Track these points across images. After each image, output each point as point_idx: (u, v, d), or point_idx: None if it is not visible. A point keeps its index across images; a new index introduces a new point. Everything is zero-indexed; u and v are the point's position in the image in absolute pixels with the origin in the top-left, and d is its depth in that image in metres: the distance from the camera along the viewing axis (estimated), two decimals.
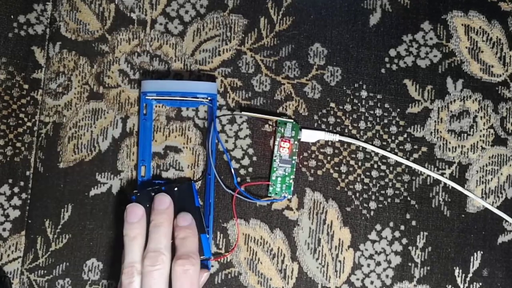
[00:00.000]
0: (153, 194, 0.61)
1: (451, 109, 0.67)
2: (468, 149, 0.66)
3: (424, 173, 0.66)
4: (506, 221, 0.66)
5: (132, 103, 0.66)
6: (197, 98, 0.63)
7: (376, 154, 0.66)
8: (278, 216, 0.65)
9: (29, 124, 0.65)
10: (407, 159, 0.66)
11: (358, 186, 0.66)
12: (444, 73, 0.67)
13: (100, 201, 0.65)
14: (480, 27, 0.67)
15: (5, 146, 0.65)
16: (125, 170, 0.65)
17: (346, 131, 0.66)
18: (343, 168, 0.66)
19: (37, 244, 0.64)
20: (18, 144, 0.65)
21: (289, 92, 0.66)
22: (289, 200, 0.65)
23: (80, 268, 0.64)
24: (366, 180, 0.66)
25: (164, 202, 0.59)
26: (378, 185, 0.66)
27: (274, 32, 0.67)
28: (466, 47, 0.67)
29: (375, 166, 0.66)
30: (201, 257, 0.60)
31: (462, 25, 0.67)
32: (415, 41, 0.67)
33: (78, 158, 0.65)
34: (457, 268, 0.65)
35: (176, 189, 0.62)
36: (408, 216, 0.65)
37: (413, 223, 0.65)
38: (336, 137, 0.65)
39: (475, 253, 0.65)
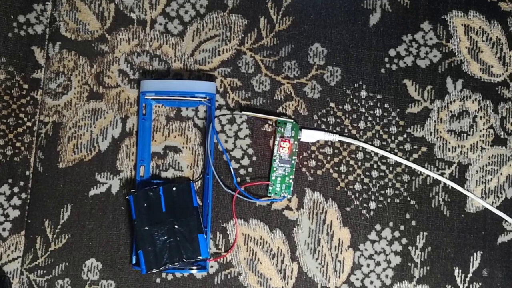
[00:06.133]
0: (150, 193, 0.61)
1: (451, 109, 0.67)
2: (468, 149, 0.66)
3: (424, 173, 0.66)
4: (506, 221, 0.65)
5: (132, 103, 0.66)
6: (196, 97, 0.63)
7: (376, 154, 0.66)
8: (278, 216, 0.65)
9: (29, 124, 0.66)
10: (407, 159, 0.66)
11: (358, 186, 0.65)
12: (444, 73, 0.67)
13: (99, 201, 0.65)
14: (480, 27, 0.67)
15: (5, 146, 0.65)
16: (125, 170, 0.65)
17: (346, 131, 0.66)
18: (343, 168, 0.66)
19: (36, 244, 0.64)
20: (18, 144, 0.65)
21: (289, 92, 0.66)
22: (289, 200, 0.65)
23: (79, 268, 0.64)
24: (366, 180, 0.66)
25: None
26: (378, 185, 0.65)
27: (274, 32, 0.67)
28: (466, 47, 0.67)
29: (375, 166, 0.66)
30: (199, 257, 0.60)
31: (462, 25, 0.67)
32: (415, 41, 0.67)
33: (78, 158, 0.65)
34: (457, 268, 0.65)
35: (174, 189, 0.62)
36: (408, 216, 0.65)
37: (413, 223, 0.65)
38: (336, 137, 0.65)
39: (474, 253, 0.65)
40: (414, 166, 0.65)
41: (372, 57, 0.67)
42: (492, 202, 0.66)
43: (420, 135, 0.66)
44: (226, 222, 0.65)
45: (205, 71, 0.66)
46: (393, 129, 0.66)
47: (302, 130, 0.65)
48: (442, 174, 0.66)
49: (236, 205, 0.65)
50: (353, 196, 0.65)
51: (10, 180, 0.65)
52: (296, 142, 0.64)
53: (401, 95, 0.67)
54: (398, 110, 0.66)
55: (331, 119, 0.66)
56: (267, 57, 0.66)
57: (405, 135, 0.66)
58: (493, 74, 0.67)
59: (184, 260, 0.60)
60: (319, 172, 0.65)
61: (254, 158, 0.65)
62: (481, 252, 0.65)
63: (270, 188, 0.64)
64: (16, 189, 0.65)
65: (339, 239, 0.65)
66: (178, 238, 0.60)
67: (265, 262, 0.65)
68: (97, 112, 0.66)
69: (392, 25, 0.67)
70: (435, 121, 0.66)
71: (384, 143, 0.66)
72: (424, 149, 0.66)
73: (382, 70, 0.67)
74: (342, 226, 0.65)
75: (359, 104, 0.66)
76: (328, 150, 0.66)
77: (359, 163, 0.66)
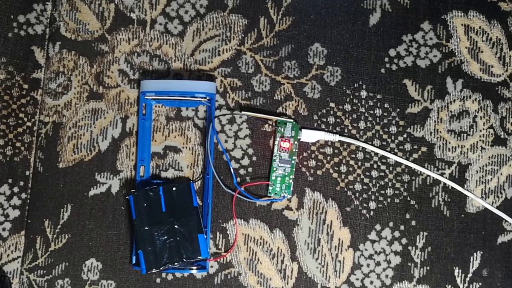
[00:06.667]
0: (150, 193, 0.61)
1: (450, 109, 0.67)
2: (468, 149, 0.66)
3: (424, 173, 0.66)
4: (506, 221, 0.65)
5: (131, 103, 0.66)
6: (196, 97, 0.63)
7: (376, 154, 0.66)
8: (278, 216, 0.65)
9: (29, 124, 0.66)
10: (407, 159, 0.66)
11: (358, 186, 0.65)
12: (444, 73, 0.67)
13: (99, 201, 0.65)
14: (480, 27, 0.67)
15: (5, 146, 0.65)
16: (125, 170, 0.65)
17: (346, 131, 0.66)
18: (343, 168, 0.66)
19: (36, 244, 0.64)
20: (18, 144, 0.65)
21: (289, 92, 0.66)
22: (289, 200, 0.65)
23: (79, 268, 0.64)
24: (366, 180, 0.66)
25: None
26: (378, 185, 0.65)
27: (274, 32, 0.67)
28: (466, 47, 0.67)
29: (375, 166, 0.66)
30: (199, 257, 0.60)
31: (462, 25, 0.67)
32: (415, 41, 0.67)
33: (78, 158, 0.65)
34: (457, 268, 0.65)
35: (174, 189, 0.62)
36: (408, 216, 0.65)
37: (413, 223, 0.65)
38: (336, 137, 0.65)
39: (474, 253, 0.65)
40: (414, 166, 0.65)
41: (372, 57, 0.67)
42: (492, 202, 0.66)
43: (420, 135, 0.66)
44: (226, 222, 0.65)
45: (205, 71, 0.66)
46: (393, 129, 0.66)
47: (302, 130, 0.65)
48: (442, 174, 0.66)
49: (236, 205, 0.65)
50: (353, 196, 0.65)
51: (10, 180, 0.65)
52: (296, 142, 0.64)
53: (401, 95, 0.67)
54: (398, 110, 0.66)
55: (331, 119, 0.66)
56: (267, 57, 0.66)
57: (405, 135, 0.66)
58: (493, 74, 0.67)
59: (184, 260, 0.60)
60: (319, 172, 0.65)
61: (254, 158, 0.65)
62: (481, 252, 0.65)
63: (270, 188, 0.64)
64: (16, 189, 0.65)
65: (339, 239, 0.65)
66: (178, 238, 0.60)
67: (265, 262, 0.65)
68: (97, 112, 0.66)
69: (392, 25, 0.67)
70: (435, 121, 0.66)
71: (384, 143, 0.66)
72: (424, 149, 0.66)
73: (382, 70, 0.67)
74: (342, 226, 0.65)
75: (359, 104, 0.66)
76: (328, 150, 0.66)
77: (359, 163, 0.66)
